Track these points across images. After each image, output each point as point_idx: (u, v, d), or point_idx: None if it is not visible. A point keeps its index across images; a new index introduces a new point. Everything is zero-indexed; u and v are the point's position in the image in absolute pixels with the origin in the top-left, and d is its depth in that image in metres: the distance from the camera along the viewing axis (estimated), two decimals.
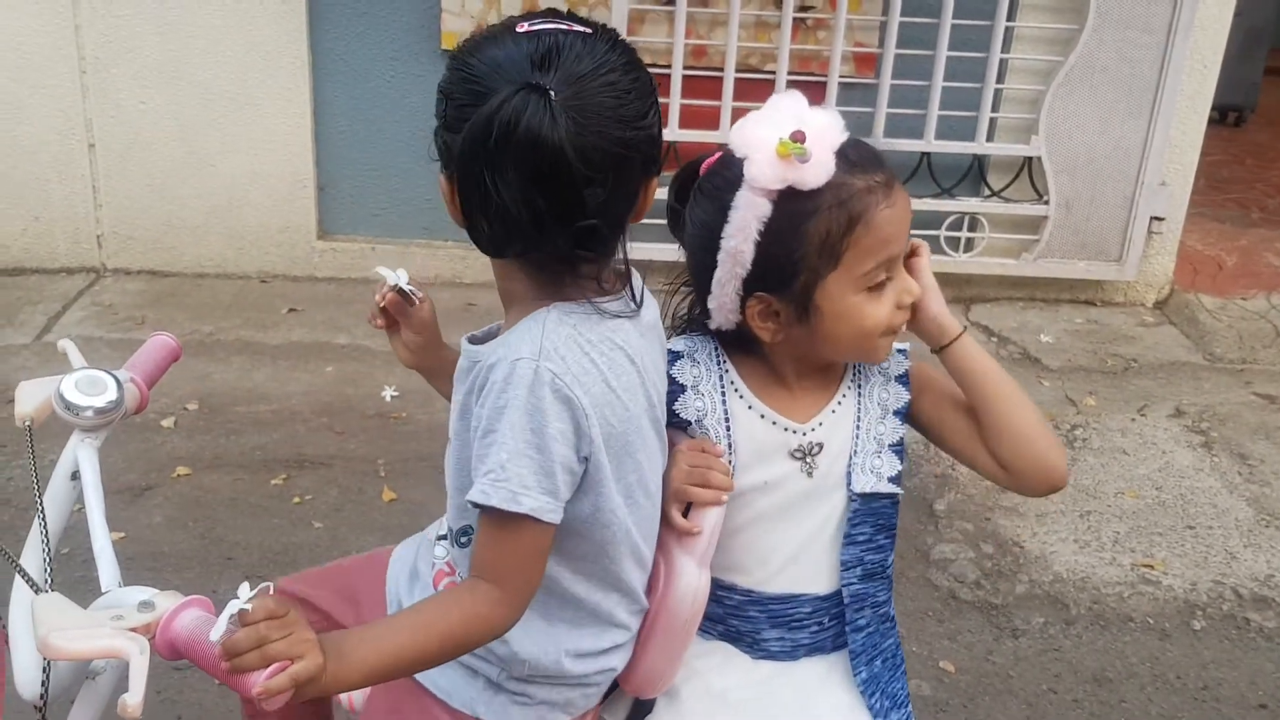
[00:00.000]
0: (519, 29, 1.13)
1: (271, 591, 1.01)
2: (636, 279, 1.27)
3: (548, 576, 1.23)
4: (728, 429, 1.37)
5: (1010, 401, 1.34)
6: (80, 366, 1.36)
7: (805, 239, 1.25)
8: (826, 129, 1.23)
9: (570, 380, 1.14)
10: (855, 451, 1.38)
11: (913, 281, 1.33)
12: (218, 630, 0.97)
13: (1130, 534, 3.06)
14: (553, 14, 1.17)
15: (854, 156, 1.26)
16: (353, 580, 1.52)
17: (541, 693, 1.29)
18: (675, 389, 1.38)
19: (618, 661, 1.33)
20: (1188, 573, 2.91)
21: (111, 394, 1.33)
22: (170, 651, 1.02)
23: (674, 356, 1.39)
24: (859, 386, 1.40)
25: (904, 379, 1.42)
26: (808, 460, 1.36)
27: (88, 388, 1.32)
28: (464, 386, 1.24)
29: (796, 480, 1.37)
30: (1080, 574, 2.88)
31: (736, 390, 1.38)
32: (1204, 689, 2.54)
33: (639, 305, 1.25)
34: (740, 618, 1.40)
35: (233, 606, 0.98)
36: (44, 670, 1.09)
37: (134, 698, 0.94)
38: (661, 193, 1.30)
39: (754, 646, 1.41)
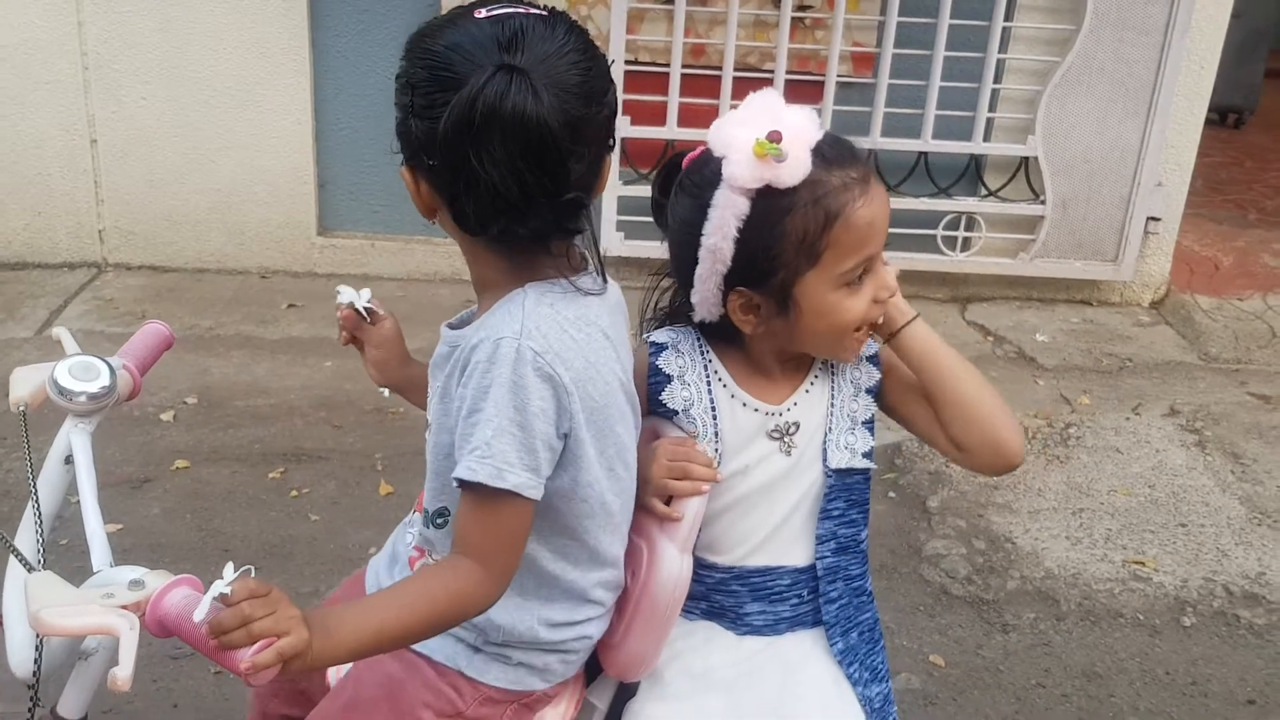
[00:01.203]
0: (478, 14, 1.16)
1: (253, 574, 1.03)
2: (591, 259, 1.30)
3: (525, 555, 1.25)
4: (714, 417, 1.40)
5: (961, 381, 1.37)
6: (74, 353, 1.38)
7: (783, 236, 1.27)
8: (802, 127, 1.25)
9: (552, 358, 1.16)
10: (830, 429, 1.41)
11: (889, 276, 1.34)
12: (201, 611, 1.00)
13: (1122, 531, 3.08)
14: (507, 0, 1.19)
15: (830, 154, 1.28)
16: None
17: (519, 655, 1.32)
18: (661, 379, 1.40)
19: (594, 630, 1.36)
20: (1179, 570, 2.93)
21: (104, 380, 1.34)
22: (160, 629, 1.04)
23: (658, 348, 1.41)
24: (831, 366, 1.43)
25: (874, 359, 1.45)
26: (785, 440, 1.39)
27: (81, 373, 1.34)
28: (443, 371, 1.26)
29: (775, 460, 1.39)
30: (1071, 570, 2.90)
31: (720, 379, 1.41)
32: (1193, 684, 2.56)
33: (604, 282, 1.29)
34: (722, 593, 1.43)
35: (216, 589, 1.00)
36: (37, 649, 1.11)
37: (124, 671, 0.96)
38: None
39: (737, 622, 1.43)
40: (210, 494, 3.04)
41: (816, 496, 1.41)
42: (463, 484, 1.16)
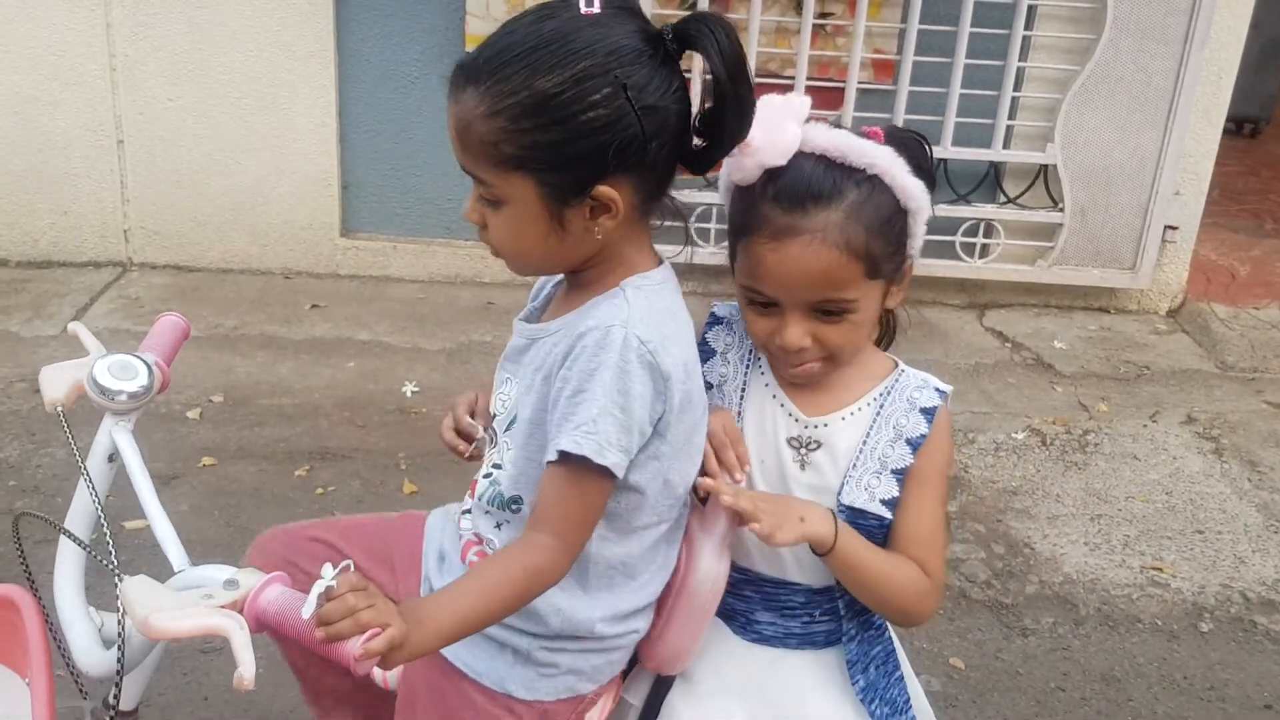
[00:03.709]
0: (586, 12, 1.20)
1: (352, 569, 1.07)
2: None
3: (606, 542, 1.30)
4: (741, 397, 1.42)
5: (873, 591, 1.37)
6: (96, 349, 1.40)
7: (730, 213, 1.36)
8: (765, 150, 1.28)
9: (655, 346, 1.22)
10: (855, 465, 1.38)
11: (790, 335, 1.32)
12: (309, 608, 1.04)
13: (1140, 537, 3.10)
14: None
15: (780, 187, 1.28)
16: (387, 541, 1.59)
17: (568, 660, 1.35)
18: (706, 352, 1.44)
19: (642, 624, 1.39)
20: (1196, 576, 2.95)
21: (143, 378, 1.37)
22: (257, 625, 1.07)
23: (714, 321, 1.45)
24: (881, 405, 1.40)
25: (929, 413, 1.39)
26: (801, 452, 1.39)
27: (120, 372, 1.36)
28: (520, 362, 1.33)
29: (789, 467, 1.39)
30: (1090, 576, 2.92)
31: (759, 366, 1.43)
32: (1210, 689, 2.58)
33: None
34: (735, 596, 1.44)
35: (319, 586, 1.04)
36: (119, 647, 1.13)
37: (248, 671, 0.98)
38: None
39: (746, 628, 1.45)
40: (237, 491, 3.07)
41: None
42: (562, 456, 1.20)
